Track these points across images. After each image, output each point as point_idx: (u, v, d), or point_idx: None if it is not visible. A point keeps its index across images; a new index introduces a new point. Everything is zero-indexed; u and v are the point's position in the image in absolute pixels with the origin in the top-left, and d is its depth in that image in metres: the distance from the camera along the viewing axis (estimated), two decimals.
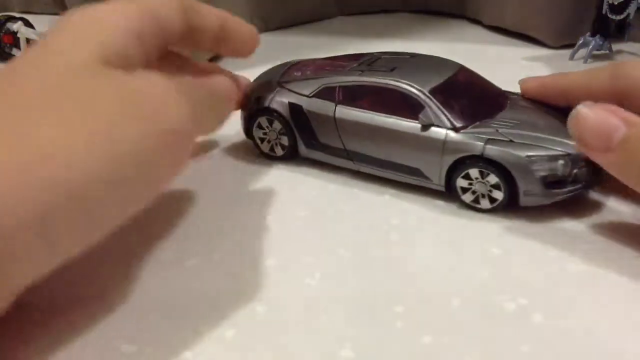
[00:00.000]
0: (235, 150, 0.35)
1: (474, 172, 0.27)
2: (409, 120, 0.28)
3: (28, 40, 0.49)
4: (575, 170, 0.26)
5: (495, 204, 0.27)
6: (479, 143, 0.26)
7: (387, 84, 0.29)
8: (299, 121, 0.31)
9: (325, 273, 0.24)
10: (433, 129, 0.27)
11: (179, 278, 0.24)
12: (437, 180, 0.28)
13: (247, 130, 0.33)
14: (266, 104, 0.32)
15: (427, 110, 0.28)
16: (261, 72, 0.36)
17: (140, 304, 0.23)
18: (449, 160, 0.27)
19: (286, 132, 0.32)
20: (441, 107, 0.28)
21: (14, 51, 0.49)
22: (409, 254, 0.25)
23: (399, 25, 0.60)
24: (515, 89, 0.32)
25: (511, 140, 0.26)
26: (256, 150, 0.34)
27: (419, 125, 0.28)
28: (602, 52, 0.48)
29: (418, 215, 0.28)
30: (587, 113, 0.24)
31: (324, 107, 0.30)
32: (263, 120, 0.32)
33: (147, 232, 0.27)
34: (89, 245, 0.20)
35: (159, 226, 0.28)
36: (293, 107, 0.31)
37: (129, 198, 0.21)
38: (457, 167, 0.27)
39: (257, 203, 0.30)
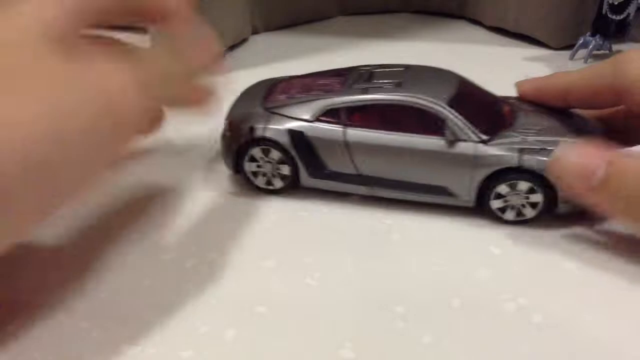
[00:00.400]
0: None
1: (503, 189, 0.26)
2: (430, 136, 0.26)
3: None
4: None
5: (537, 210, 0.26)
6: (513, 154, 0.25)
7: (402, 100, 0.27)
8: (302, 149, 0.28)
9: (325, 273, 0.24)
10: (460, 143, 0.26)
11: (179, 278, 0.24)
12: (467, 196, 0.27)
13: (236, 165, 0.29)
14: (260, 134, 0.28)
15: (450, 124, 0.26)
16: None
17: (141, 304, 0.23)
18: (482, 174, 0.26)
19: (286, 161, 0.28)
20: (464, 120, 0.26)
21: None
22: (409, 254, 0.25)
23: (399, 26, 0.60)
24: (510, 87, 0.32)
25: (544, 149, 0.25)
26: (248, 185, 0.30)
27: (443, 142, 0.26)
28: (602, 52, 0.48)
29: (418, 216, 0.28)
30: (566, 156, 0.24)
31: (330, 131, 0.27)
32: (257, 152, 0.29)
33: (147, 232, 0.27)
34: (51, 212, 0.20)
35: (158, 226, 0.28)
36: (293, 134, 0.28)
37: (78, 162, 0.20)
38: (490, 180, 0.26)
39: (257, 203, 0.30)
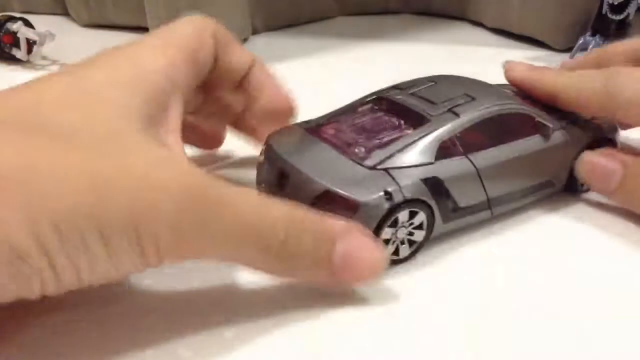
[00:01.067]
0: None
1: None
2: (531, 137, 0.27)
3: (28, 40, 0.49)
4: None
5: None
6: (582, 132, 0.28)
7: (498, 110, 0.26)
8: (438, 196, 0.24)
9: None
10: (553, 135, 0.27)
11: (179, 278, 0.24)
12: (562, 181, 0.29)
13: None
14: (403, 196, 0.23)
15: (540, 119, 0.27)
16: None
17: (140, 304, 0.23)
18: (573, 154, 0.28)
19: (427, 220, 0.24)
20: (542, 112, 0.28)
21: (14, 51, 0.49)
22: None
23: (400, 27, 0.60)
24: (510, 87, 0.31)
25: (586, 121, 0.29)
26: None
27: (540, 138, 0.27)
28: None
29: None
30: (589, 161, 0.27)
31: (459, 165, 0.25)
32: (403, 216, 0.23)
33: None
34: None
35: None
36: (429, 182, 0.24)
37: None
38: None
39: None
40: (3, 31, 0.49)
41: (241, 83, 0.27)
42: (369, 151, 0.24)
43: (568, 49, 0.51)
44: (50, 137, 0.18)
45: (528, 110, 0.27)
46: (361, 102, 0.28)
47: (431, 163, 0.24)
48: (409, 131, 0.25)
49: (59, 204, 0.16)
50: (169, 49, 0.23)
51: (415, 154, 0.24)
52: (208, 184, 0.19)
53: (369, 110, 0.27)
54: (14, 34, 0.49)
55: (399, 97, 0.27)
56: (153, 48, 0.23)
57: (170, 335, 0.21)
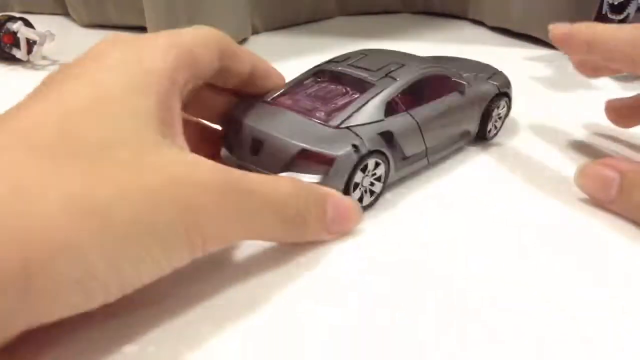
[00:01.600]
0: None
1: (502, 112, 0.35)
2: (451, 94, 0.31)
3: (28, 40, 0.49)
4: None
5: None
6: (490, 85, 0.34)
7: (430, 72, 0.31)
8: (392, 147, 0.28)
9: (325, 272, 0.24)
10: (467, 91, 0.32)
11: (179, 278, 0.24)
12: (475, 129, 0.33)
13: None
14: (367, 148, 0.26)
15: (457, 78, 0.32)
16: None
17: (140, 303, 0.23)
18: (483, 106, 0.33)
19: (385, 171, 0.28)
20: (457, 73, 0.32)
21: (14, 51, 0.49)
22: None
23: (400, 26, 0.60)
24: (515, 88, 0.32)
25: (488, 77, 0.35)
26: None
27: (459, 94, 0.32)
28: None
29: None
30: (586, 171, 0.28)
31: (403, 119, 0.29)
32: (371, 164, 0.27)
33: None
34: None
35: None
36: (385, 136, 0.28)
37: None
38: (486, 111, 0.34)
39: None
40: (3, 31, 0.49)
41: (244, 83, 0.29)
42: (329, 114, 0.28)
43: None
44: (90, 159, 0.18)
45: (446, 71, 0.32)
46: (305, 76, 0.32)
47: (382, 120, 0.28)
48: (356, 95, 0.29)
49: (120, 220, 0.18)
50: (171, 49, 0.23)
51: (369, 113, 0.28)
52: (236, 175, 0.21)
53: (314, 82, 0.31)
54: (14, 34, 0.49)
55: (339, 68, 0.31)
56: (157, 48, 0.23)
57: (170, 334, 0.21)
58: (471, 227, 0.27)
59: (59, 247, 0.16)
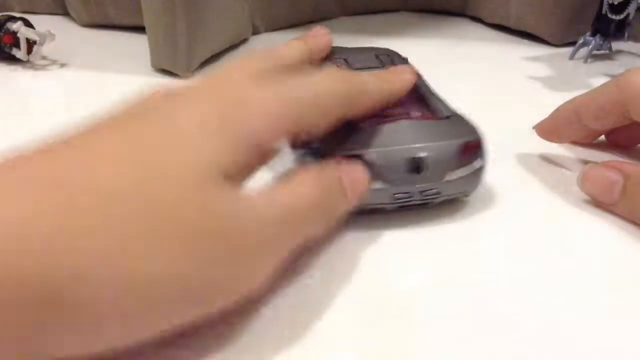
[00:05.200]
0: None
1: None
2: None
3: (28, 40, 0.49)
4: None
5: None
6: None
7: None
8: None
9: (324, 273, 0.24)
10: None
11: None
12: None
13: None
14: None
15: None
16: None
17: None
18: None
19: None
20: None
21: (14, 51, 0.49)
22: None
23: (400, 25, 0.60)
24: (514, 88, 0.32)
25: None
26: None
27: None
28: (602, 51, 0.48)
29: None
30: (589, 174, 0.28)
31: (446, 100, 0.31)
32: None
33: None
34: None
35: None
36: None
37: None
38: None
39: None
40: (3, 31, 0.49)
41: None
42: (419, 110, 0.27)
43: (566, 44, 0.51)
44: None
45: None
46: None
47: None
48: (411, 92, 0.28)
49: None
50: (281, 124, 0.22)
51: (440, 100, 0.29)
52: (289, 202, 0.21)
53: None
54: (14, 34, 0.49)
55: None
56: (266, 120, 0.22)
57: (170, 334, 0.21)
58: (471, 226, 0.27)
59: None
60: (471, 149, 0.26)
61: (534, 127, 0.33)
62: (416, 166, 0.25)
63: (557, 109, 0.32)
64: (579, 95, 0.31)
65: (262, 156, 0.22)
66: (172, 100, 0.21)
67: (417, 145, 0.25)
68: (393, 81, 0.27)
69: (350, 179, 0.24)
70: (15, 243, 0.15)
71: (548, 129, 0.32)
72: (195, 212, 0.18)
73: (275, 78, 0.23)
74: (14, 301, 0.15)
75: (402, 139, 0.25)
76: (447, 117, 0.27)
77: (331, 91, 0.24)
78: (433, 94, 0.29)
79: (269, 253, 0.21)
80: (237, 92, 0.22)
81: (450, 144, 0.25)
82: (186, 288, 0.18)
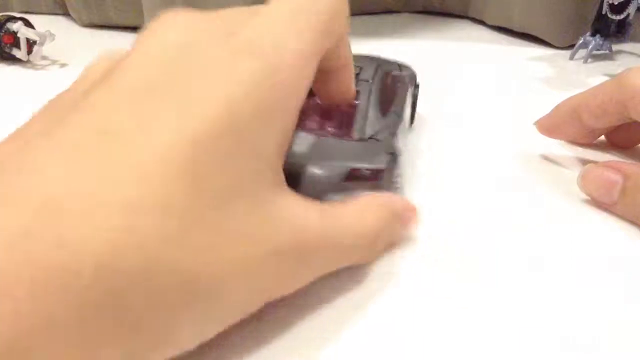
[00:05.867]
0: None
1: None
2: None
3: (28, 40, 0.49)
4: None
5: None
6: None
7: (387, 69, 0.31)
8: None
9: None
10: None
11: None
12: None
13: None
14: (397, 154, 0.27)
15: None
16: None
17: None
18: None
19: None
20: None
21: (14, 51, 0.49)
22: None
23: (401, 26, 0.60)
24: (514, 88, 0.32)
25: None
26: None
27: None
28: (602, 52, 0.48)
29: None
30: (589, 174, 0.28)
31: (397, 117, 0.30)
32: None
33: None
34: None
35: None
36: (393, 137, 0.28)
37: None
38: None
39: None
40: (3, 31, 0.49)
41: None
42: (340, 127, 0.26)
43: (568, 47, 0.51)
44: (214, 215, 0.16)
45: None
46: None
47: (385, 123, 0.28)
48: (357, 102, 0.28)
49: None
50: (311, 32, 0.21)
51: (375, 119, 0.27)
52: (333, 213, 0.21)
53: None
54: (14, 34, 0.49)
55: None
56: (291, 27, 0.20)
57: None
58: (471, 226, 0.27)
59: None
60: (358, 177, 0.24)
61: (534, 123, 0.33)
62: (297, 181, 0.23)
63: (557, 106, 0.32)
64: (580, 93, 0.31)
65: None
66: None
67: (304, 161, 0.24)
68: None
69: (403, 208, 0.25)
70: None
71: (548, 126, 0.33)
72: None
73: None
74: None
75: (301, 153, 0.24)
76: (363, 140, 0.26)
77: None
78: (370, 114, 0.27)
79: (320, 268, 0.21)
80: None
81: (337, 167, 0.24)
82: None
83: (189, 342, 0.17)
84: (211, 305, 0.17)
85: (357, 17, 0.63)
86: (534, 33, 0.53)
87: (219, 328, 0.18)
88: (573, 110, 0.31)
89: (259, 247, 0.17)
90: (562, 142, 0.35)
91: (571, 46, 0.50)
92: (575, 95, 0.31)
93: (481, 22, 0.59)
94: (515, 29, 0.55)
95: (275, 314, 0.21)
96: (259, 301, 0.19)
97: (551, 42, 0.52)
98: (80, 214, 0.14)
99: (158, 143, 0.15)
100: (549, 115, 0.33)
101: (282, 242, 0.18)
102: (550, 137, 0.33)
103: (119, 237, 0.14)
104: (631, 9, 0.45)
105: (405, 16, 0.63)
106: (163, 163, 0.15)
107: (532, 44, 0.53)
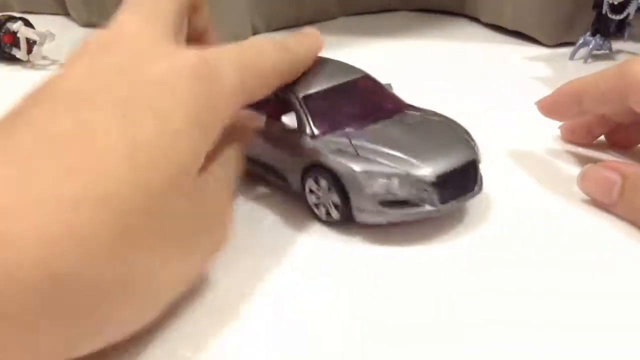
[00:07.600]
0: None
1: (323, 183, 0.26)
2: (280, 122, 0.27)
3: (28, 40, 0.49)
4: (418, 193, 0.25)
5: (330, 217, 0.27)
6: (326, 152, 0.26)
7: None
8: None
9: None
10: (297, 134, 0.27)
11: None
12: (296, 185, 0.28)
13: None
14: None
15: (294, 114, 0.27)
16: None
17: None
18: (302, 165, 0.27)
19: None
20: (307, 113, 0.27)
21: (14, 51, 0.49)
22: None
23: (400, 25, 0.60)
24: (514, 88, 0.32)
25: (357, 154, 0.25)
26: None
27: (285, 127, 0.27)
28: (602, 51, 0.48)
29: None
30: (589, 174, 0.28)
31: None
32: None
33: None
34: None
35: None
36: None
37: None
38: (309, 173, 0.27)
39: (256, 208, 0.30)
40: (3, 31, 0.49)
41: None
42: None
43: (559, 45, 0.51)
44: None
45: (296, 104, 0.27)
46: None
47: None
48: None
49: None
50: None
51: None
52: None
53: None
54: (14, 34, 0.49)
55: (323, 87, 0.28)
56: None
57: (170, 335, 0.21)
58: (470, 226, 0.27)
59: None
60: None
61: (536, 103, 0.33)
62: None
63: (560, 88, 0.32)
64: (582, 77, 0.31)
65: None
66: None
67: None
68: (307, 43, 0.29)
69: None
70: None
71: (549, 106, 0.33)
72: None
73: None
74: None
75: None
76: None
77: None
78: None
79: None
80: None
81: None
82: None
83: (131, 324, 0.19)
84: (148, 287, 0.18)
85: (357, 17, 0.63)
86: (524, 31, 0.53)
87: (157, 308, 0.20)
88: (574, 94, 0.31)
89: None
90: (562, 142, 0.35)
91: (562, 44, 0.50)
92: (577, 79, 0.31)
93: (477, 20, 0.59)
94: (507, 27, 0.55)
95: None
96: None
97: (540, 40, 0.52)
98: (22, 212, 0.15)
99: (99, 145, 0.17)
100: (550, 96, 0.32)
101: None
102: (549, 117, 0.33)
103: (58, 231, 0.15)
104: (631, 9, 0.45)
105: (403, 15, 0.63)
106: (102, 162, 0.17)
107: (528, 43, 0.53)
